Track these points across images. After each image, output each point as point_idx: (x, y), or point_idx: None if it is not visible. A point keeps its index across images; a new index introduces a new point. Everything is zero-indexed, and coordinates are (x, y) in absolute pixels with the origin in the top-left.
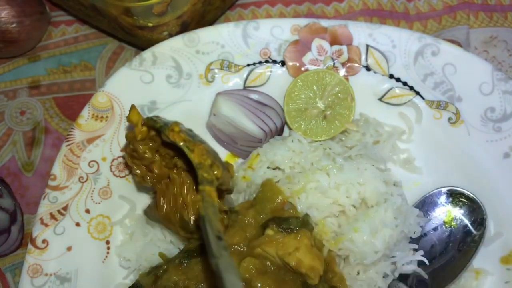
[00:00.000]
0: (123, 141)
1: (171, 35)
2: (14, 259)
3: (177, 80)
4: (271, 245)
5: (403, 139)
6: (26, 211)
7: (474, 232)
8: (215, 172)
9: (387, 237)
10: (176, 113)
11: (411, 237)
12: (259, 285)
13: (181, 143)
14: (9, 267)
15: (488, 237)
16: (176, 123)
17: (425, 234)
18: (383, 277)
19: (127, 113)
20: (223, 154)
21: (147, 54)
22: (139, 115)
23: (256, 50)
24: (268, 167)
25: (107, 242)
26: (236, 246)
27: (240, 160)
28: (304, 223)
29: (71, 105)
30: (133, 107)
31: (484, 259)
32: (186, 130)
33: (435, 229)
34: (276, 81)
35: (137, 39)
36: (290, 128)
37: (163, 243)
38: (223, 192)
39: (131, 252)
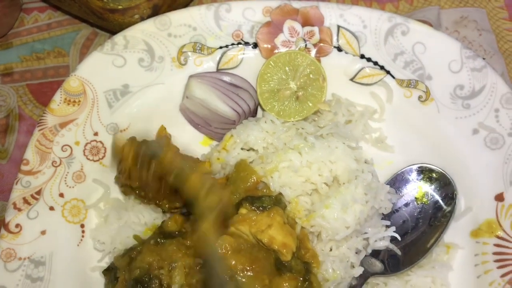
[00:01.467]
0: (95, 125)
1: (142, 19)
2: None
3: (150, 64)
4: (244, 223)
5: (375, 118)
6: (1, 198)
7: (445, 207)
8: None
9: (357, 213)
10: (149, 97)
11: (383, 214)
12: (233, 262)
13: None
14: None
15: (458, 212)
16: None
17: (397, 210)
18: (356, 253)
19: (99, 96)
20: (199, 137)
21: (118, 38)
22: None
23: (229, 32)
24: (242, 148)
25: (82, 226)
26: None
27: (215, 143)
28: (277, 201)
29: (45, 91)
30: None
31: (455, 233)
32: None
33: (406, 205)
34: (249, 63)
35: (109, 23)
36: (263, 110)
37: (138, 226)
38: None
39: (106, 235)
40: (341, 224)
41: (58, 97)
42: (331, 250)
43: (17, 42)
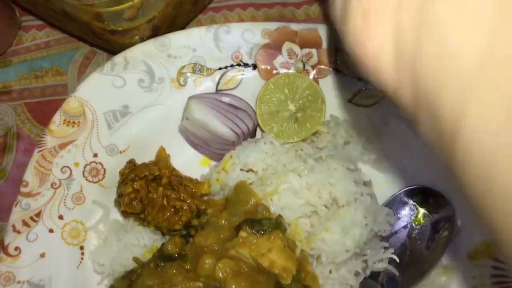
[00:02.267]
0: (95, 146)
1: (142, 40)
2: None
3: (149, 84)
4: (244, 246)
5: (373, 140)
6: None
7: (443, 229)
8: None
9: (357, 236)
10: (149, 117)
11: (381, 236)
12: (234, 286)
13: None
14: None
15: (456, 234)
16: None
17: (395, 232)
18: (355, 275)
19: (99, 118)
20: (198, 157)
21: (118, 58)
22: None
23: (228, 53)
24: (241, 169)
25: (81, 248)
26: (210, 247)
27: (214, 163)
28: (277, 224)
29: (43, 110)
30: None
31: (452, 255)
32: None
33: (404, 227)
34: (248, 84)
35: (109, 43)
36: (262, 131)
37: (137, 248)
38: None
39: (105, 257)
40: (341, 248)
41: (57, 118)
42: (330, 272)
43: (15, 60)
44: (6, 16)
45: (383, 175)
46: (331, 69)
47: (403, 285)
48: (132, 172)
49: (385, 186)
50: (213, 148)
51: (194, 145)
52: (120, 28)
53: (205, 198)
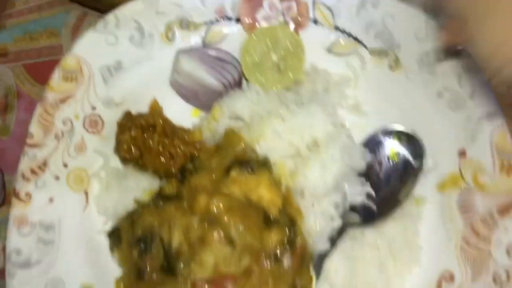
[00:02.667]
0: (93, 100)
1: None
2: None
3: (140, 40)
4: (235, 184)
5: (350, 86)
6: (6, 171)
7: (414, 164)
8: None
9: (335, 171)
10: (141, 72)
11: (358, 172)
12: (226, 219)
13: None
14: None
15: (425, 168)
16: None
17: (371, 169)
18: (335, 208)
19: (95, 73)
20: (189, 109)
21: (110, 17)
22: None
23: (212, 8)
24: (229, 117)
25: (86, 193)
26: (204, 187)
27: (202, 115)
28: (264, 163)
29: (41, 70)
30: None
31: (423, 187)
32: None
33: (379, 163)
34: (233, 38)
35: (99, 3)
36: (247, 81)
37: (137, 191)
38: None
39: (108, 201)
40: (321, 182)
41: (56, 75)
42: (313, 206)
43: (9, 24)
44: None
45: (359, 119)
46: (309, 20)
47: (378, 215)
48: (128, 122)
49: (362, 129)
50: (203, 99)
51: (185, 97)
52: None
53: (197, 145)
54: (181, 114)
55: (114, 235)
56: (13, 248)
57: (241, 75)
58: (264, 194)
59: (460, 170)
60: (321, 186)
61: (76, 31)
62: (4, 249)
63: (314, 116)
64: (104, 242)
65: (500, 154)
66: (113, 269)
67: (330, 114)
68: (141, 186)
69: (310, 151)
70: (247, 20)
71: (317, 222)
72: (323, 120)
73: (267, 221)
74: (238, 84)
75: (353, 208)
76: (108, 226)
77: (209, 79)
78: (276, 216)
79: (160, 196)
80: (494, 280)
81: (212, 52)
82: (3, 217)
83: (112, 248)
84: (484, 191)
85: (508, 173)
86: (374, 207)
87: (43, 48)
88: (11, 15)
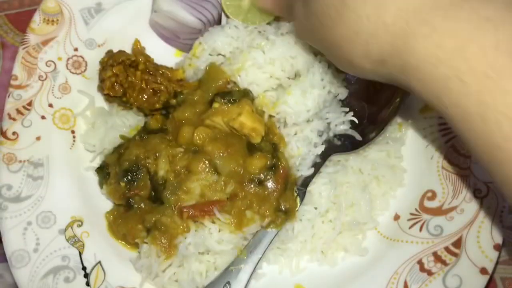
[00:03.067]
0: (75, 41)
1: None
2: None
3: None
4: (217, 115)
5: None
6: None
7: (396, 92)
8: None
9: (316, 96)
10: (121, 13)
11: (341, 100)
12: (210, 148)
13: None
14: None
15: (408, 95)
16: None
17: (355, 97)
18: (319, 135)
19: (75, 16)
20: (172, 49)
21: None
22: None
23: None
24: (210, 54)
25: (72, 132)
26: (188, 120)
27: (184, 54)
28: (245, 93)
29: (24, 20)
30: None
31: (406, 112)
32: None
33: (363, 91)
34: None
35: None
36: (227, 17)
37: (123, 128)
38: None
39: (94, 138)
40: (302, 108)
41: (37, 17)
42: (296, 133)
43: None
44: None
45: None
46: None
47: (362, 142)
48: (110, 59)
49: None
50: (182, 39)
51: (165, 38)
52: None
53: (180, 82)
54: (163, 54)
55: (102, 171)
56: (3, 183)
57: (220, 12)
58: (246, 121)
59: None
60: (302, 111)
61: None
62: None
63: (294, 46)
64: (93, 177)
65: None
66: (102, 203)
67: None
68: (127, 123)
69: (292, 81)
70: None
71: (299, 148)
72: (303, 49)
73: (251, 148)
74: (217, 22)
75: (337, 136)
76: (96, 163)
77: (187, 17)
78: (259, 144)
79: (145, 131)
80: (475, 194)
81: None
82: None
83: (101, 183)
84: None
85: None
86: (357, 135)
87: None
88: None
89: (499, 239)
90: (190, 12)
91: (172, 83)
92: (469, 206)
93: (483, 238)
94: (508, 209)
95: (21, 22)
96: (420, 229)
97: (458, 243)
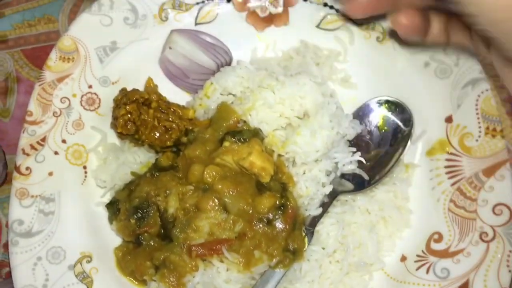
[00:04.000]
0: (89, 79)
1: None
2: (0, 194)
3: (134, 21)
4: (228, 153)
5: (340, 60)
6: (7, 152)
7: (403, 130)
8: None
9: (325, 138)
10: (136, 51)
11: (349, 141)
12: (220, 186)
13: None
14: None
15: (414, 136)
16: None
17: (362, 138)
18: (327, 175)
19: (91, 54)
20: (174, 90)
21: (104, 0)
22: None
23: None
24: (221, 94)
25: (84, 167)
26: (199, 158)
27: (187, 97)
28: (255, 133)
29: (39, 55)
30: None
31: (412, 154)
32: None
33: (369, 132)
34: (224, 18)
35: None
36: None
37: (134, 164)
38: None
39: (106, 174)
40: (311, 148)
41: (53, 55)
42: (304, 173)
43: (8, 12)
44: None
45: (349, 91)
46: None
47: (369, 182)
48: (124, 97)
49: (352, 100)
50: (191, 79)
51: (172, 77)
52: None
53: (191, 120)
54: (175, 92)
55: (113, 207)
56: (15, 218)
57: (231, 59)
58: (255, 161)
59: (447, 135)
60: (312, 153)
61: (72, 16)
62: (7, 224)
63: (303, 86)
64: (103, 213)
65: (485, 118)
66: (111, 238)
67: (319, 84)
68: (138, 160)
69: (301, 120)
70: (238, 0)
71: (308, 188)
72: (312, 89)
73: (260, 188)
74: (228, 64)
75: (345, 176)
76: (106, 198)
77: (203, 57)
78: (268, 183)
79: (156, 168)
80: (481, 237)
81: (204, 36)
82: (6, 194)
83: (110, 219)
84: (470, 154)
85: (493, 136)
86: (364, 174)
87: (41, 34)
88: (10, 4)
89: (506, 284)
90: (205, 53)
91: (184, 121)
92: (476, 249)
93: (490, 282)
94: None
95: (36, 58)
96: (427, 272)
97: (465, 287)
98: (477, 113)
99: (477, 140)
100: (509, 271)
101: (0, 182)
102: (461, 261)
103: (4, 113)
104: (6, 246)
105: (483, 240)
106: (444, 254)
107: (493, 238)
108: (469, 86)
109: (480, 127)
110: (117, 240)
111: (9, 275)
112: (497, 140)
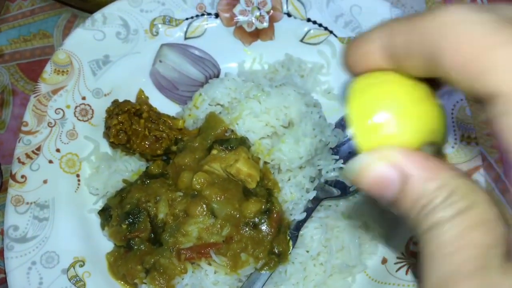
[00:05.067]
0: (83, 91)
1: None
2: None
3: (126, 36)
4: (216, 161)
5: (323, 73)
6: (2, 162)
7: None
8: None
9: (308, 145)
10: (128, 64)
11: (331, 148)
12: (208, 192)
13: None
14: None
15: None
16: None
17: (344, 145)
18: (311, 181)
19: (84, 67)
20: (164, 101)
21: (97, 15)
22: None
23: (193, 5)
24: (209, 104)
25: (77, 176)
26: (188, 165)
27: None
28: (242, 141)
29: (34, 69)
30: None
31: None
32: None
33: (350, 139)
34: (212, 32)
35: (89, 4)
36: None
37: (125, 172)
38: None
39: (98, 182)
40: (295, 155)
41: (48, 68)
42: (289, 179)
43: (5, 28)
44: None
45: (333, 102)
46: (283, 13)
47: (351, 187)
48: (116, 108)
49: (335, 111)
50: (180, 90)
51: (162, 89)
52: None
53: (181, 130)
54: (165, 103)
55: (105, 213)
56: (10, 224)
57: (219, 71)
58: (242, 168)
59: None
60: (296, 160)
61: (66, 32)
62: (2, 231)
63: (288, 97)
64: (95, 219)
65: (461, 126)
66: (103, 244)
67: (303, 95)
68: (129, 168)
69: (286, 129)
70: (225, 15)
71: (293, 194)
72: (296, 100)
73: (246, 193)
74: (216, 77)
75: (328, 182)
76: (99, 205)
77: (192, 70)
78: (254, 189)
79: (147, 175)
80: None
81: (193, 50)
82: (2, 202)
83: (102, 225)
84: (446, 161)
85: (468, 143)
86: (347, 181)
87: (36, 48)
88: (6, 20)
89: None
90: (194, 66)
91: (173, 131)
92: None
93: None
94: None
95: (31, 71)
96: (406, 273)
97: None
98: (453, 121)
99: (453, 147)
100: None
101: None
102: None
103: (0, 125)
104: (1, 252)
105: None
106: None
107: None
108: (445, 96)
109: (455, 134)
110: (109, 246)
111: (3, 280)
112: (472, 147)
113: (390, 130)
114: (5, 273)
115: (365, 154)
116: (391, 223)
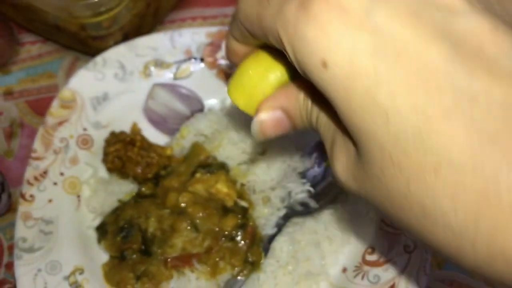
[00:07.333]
0: (84, 123)
1: (116, 43)
2: (4, 221)
3: (123, 77)
4: (198, 183)
5: None
6: (11, 185)
7: None
8: None
9: (278, 169)
10: (123, 101)
11: (299, 172)
12: (191, 210)
13: None
14: (1, 228)
15: None
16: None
17: (311, 169)
18: (281, 201)
19: (86, 103)
20: (155, 133)
21: (98, 58)
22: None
23: (181, 51)
24: (194, 135)
25: (78, 196)
26: (174, 187)
27: (165, 138)
28: (221, 166)
29: (40, 105)
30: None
31: None
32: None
33: (317, 163)
34: (198, 74)
35: (90, 48)
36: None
37: (120, 194)
38: None
39: (96, 202)
40: (267, 177)
41: (55, 103)
42: (262, 199)
43: (15, 69)
44: (6, 34)
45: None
46: None
47: (317, 207)
48: (113, 138)
49: (304, 139)
50: (169, 123)
51: (154, 122)
52: (99, 35)
53: (169, 157)
54: (156, 134)
55: (101, 229)
56: (20, 236)
57: (203, 107)
58: (221, 188)
59: None
60: (267, 182)
61: (69, 73)
62: (10, 248)
63: None
64: (93, 235)
65: None
66: (99, 256)
67: None
68: (124, 189)
69: (260, 155)
70: (209, 60)
71: (265, 211)
72: None
73: (225, 210)
74: (201, 111)
75: (297, 201)
76: (96, 222)
77: (181, 106)
78: (231, 206)
79: (139, 195)
80: (405, 249)
81: (181, 89)
82: (9, 221)
83: (99, 240)
84: None
85: None
86: (313, 203)
87: (42, 87)
88: (16, 62)
89: (424, 285)
90: (182, 103)
91: (163, 158)
92: (401, 258)
93: (411, 285)
94: (430, 262)
95: (38, 107)
96: (362, 278)
97: None
98: None
99: None
100: (425, 274)
101: (5, 211)
102: (389, 269)
103: (9, 154)
104: (7, 266)
105: (406, 251)
106: (376, 264)
107: (414, 249)
108: None
109: None
110: (104, 257)
111: None
112: None
113: (257, 89)
114: (11, 283)
115: (255, 116)
116: (350, 238)
